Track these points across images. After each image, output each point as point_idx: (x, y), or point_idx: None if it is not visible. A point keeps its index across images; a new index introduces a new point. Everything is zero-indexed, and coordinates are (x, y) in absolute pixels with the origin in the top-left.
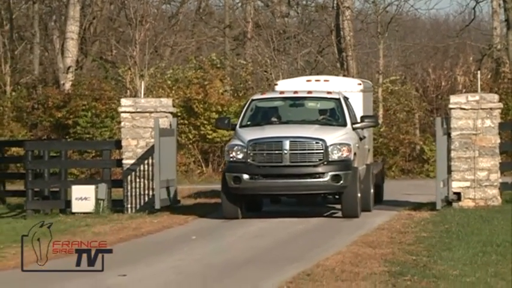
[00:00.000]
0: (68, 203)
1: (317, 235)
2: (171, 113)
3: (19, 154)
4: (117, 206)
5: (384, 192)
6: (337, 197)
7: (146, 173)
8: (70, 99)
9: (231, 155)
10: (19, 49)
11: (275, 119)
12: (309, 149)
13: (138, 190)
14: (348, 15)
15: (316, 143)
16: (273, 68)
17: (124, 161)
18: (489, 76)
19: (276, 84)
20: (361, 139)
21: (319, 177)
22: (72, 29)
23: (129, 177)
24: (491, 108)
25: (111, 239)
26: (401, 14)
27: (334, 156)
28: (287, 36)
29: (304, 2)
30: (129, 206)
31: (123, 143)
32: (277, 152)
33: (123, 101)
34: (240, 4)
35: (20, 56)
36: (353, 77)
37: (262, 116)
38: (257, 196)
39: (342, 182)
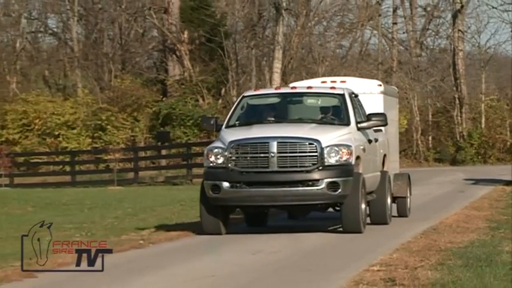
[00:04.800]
0: None
1: (438, 203)
2: None
3: None
4: None
5: (410, 205)
6: (338, 208)
7: None
8: None
9: (210, 160)
10: (242, 79)
11: (267, 118)
12: (300, 152)
13: None
14: (461, 55)
15: (310, 144)
16: (410, 91)
17: None
18: None
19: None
20: (370, 141)
21: (312, 185)
22: (277, 66)
23: None
24: None
25: None
26: (496, 54)
27: (331, 160)
28: (420, 69)
29: (431, 47)
30: None
31: None
32: (262, 155)
33: None
34: (388, 48)
35: (242, 84)
36: (464, 97)
37: (253, 114)
38: (240, 207)
39: (340, 190)
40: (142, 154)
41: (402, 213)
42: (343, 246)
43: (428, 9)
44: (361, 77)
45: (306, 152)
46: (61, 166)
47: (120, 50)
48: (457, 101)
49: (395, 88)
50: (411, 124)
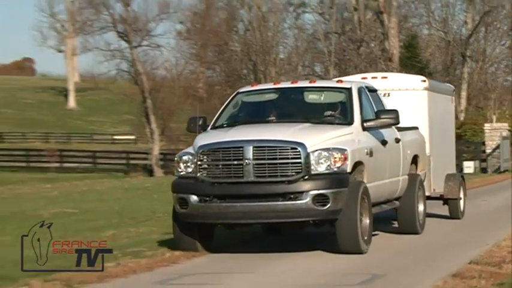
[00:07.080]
0: (461, 170)
1: None
2: (508, 129)
3: None
4: (484, 171)
5: (464, 207)
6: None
7: (496, 155)
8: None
9: (180, 168)
10: None
11: (259, 117)
12: (281, 158)
13: (492, 163)
14: None
15: (292, 148)
16: None
17: (486, 150)
18: None
19: None
20: (385, 142)
21: (295, 199)
22: (463, 94)
23: (488, 157)
24: None
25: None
26: None
27: (320, 167)
28: None
29: None
30: (488, 170)
31: (486, 143)
32: (236, 162)
33: (486, 125)
34: None
35: None
36: None
37: (246, 113)
38: (211, 225)
39: (329, 205)
40: None
41: (454, 215)
42: (495, 215)
43: None
44: None
45: (287, 159)
46: None
47: None
48: None
49: (450, 85)
50: None
